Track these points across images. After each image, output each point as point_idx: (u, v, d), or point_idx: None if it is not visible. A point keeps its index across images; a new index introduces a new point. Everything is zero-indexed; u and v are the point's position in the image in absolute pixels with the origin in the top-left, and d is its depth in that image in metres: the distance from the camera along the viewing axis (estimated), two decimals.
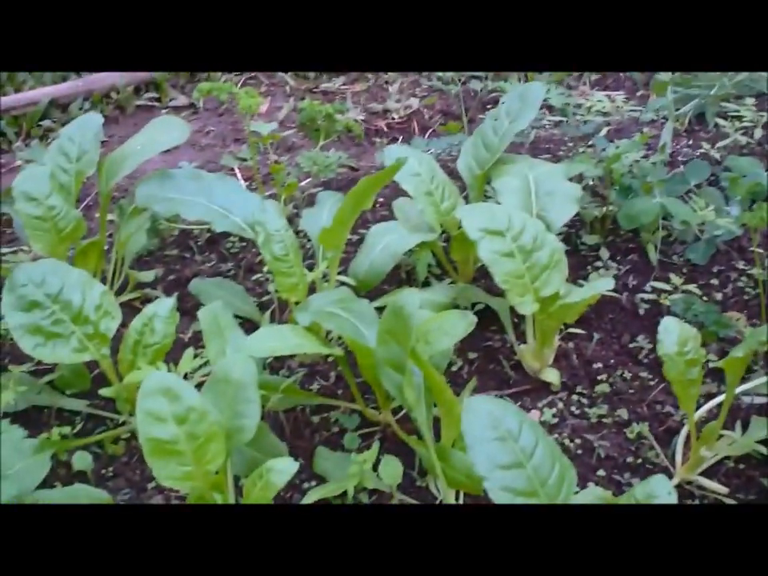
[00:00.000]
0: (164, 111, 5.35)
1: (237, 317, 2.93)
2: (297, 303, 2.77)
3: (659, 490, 1.93)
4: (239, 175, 4.23)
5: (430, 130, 4.81)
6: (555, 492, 1.93)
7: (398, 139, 4.73)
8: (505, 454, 1.89)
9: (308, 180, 4.07)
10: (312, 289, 2.91)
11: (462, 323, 2.43)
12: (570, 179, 3.21)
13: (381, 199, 3.88)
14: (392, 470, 2.39)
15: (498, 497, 1.86)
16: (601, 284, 2.63)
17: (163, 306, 2.62)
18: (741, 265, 3.33)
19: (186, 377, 2.66)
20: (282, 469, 2.20)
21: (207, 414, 2.14)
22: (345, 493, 2.40)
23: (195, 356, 2.63)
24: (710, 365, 2.80)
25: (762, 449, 2.50)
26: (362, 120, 4.85)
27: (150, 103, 5.44)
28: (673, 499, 1.93)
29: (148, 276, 3.43)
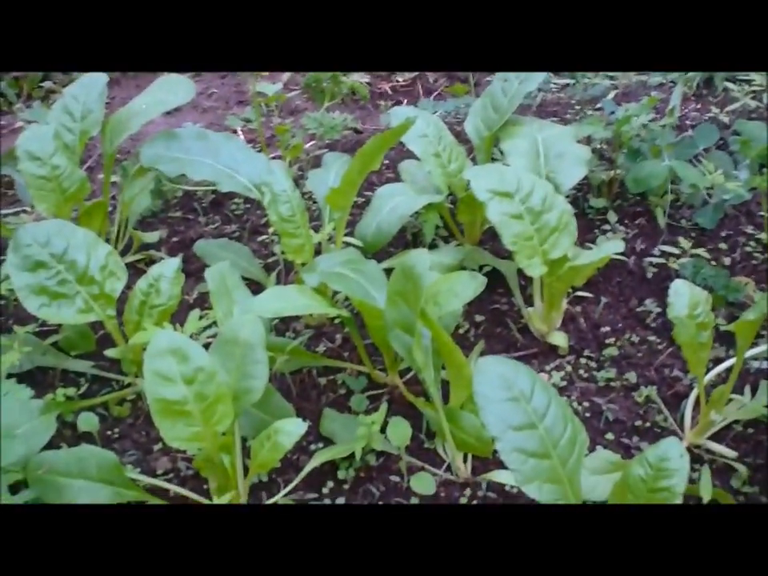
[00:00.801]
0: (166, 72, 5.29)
1: (243, 278, 2.92)
2: (303, 265, 2.75)
3: (671, 453, 1.92)
4: (242, 138, 4.19)
5: (435, 93, 4.77)
6: (567, 453, 1.92)
7: (402, 102, 4.70)
8: (517, 414, 1.88)
9: (312, 142, 4.04)
10: (317, 251, 2.89)
11: (472, 284, 2.41)
12: (578, 142, 3.18)
13: (386, 161, 3.84)
14: (400, 431, 2.37)
15: (511, 458, 1.85)
16: (610, 246, 2.60)
17: (169, 267, 2.60)
18: (750, 229, 3.31)
19: (191, 338, 2.65)
20: (291, 430, 2.19)
21: (216, 374, 2.12)
22: (352, 454, 2.39)
23: (201, 317, 2.60)
24: (720, 329, 2.78)
25: None
26: (367, 83, 4.81)
27: None
28: (685, 461, 1.92)
29: (152, 237, 3.40)
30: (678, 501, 1.90)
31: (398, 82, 4.88)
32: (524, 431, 1.87)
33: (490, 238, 3.19)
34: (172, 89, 3.31)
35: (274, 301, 2.36)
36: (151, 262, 3.27)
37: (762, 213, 3.33)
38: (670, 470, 1.90)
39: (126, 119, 3.20)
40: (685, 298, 2.35)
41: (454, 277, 2.44)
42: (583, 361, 2.79)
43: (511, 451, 1.85)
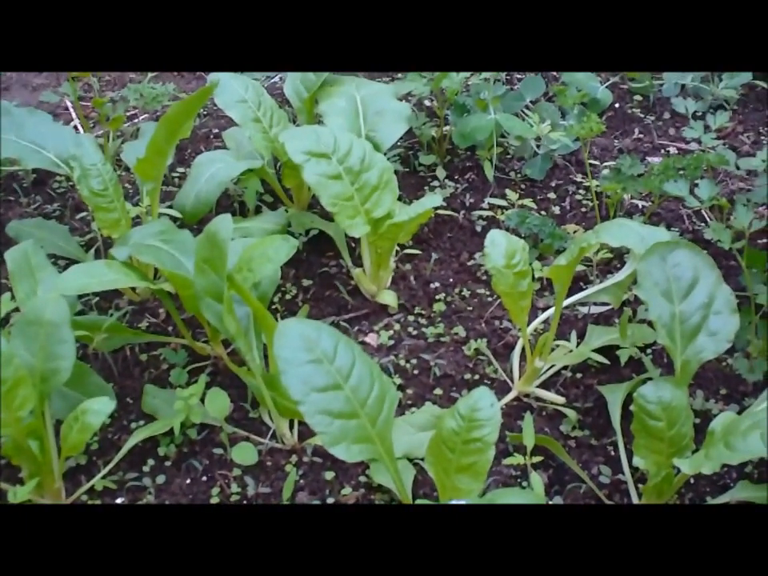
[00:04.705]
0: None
1: (60, 257, 2.82)
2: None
3: (481, 403, 1.92)
4: (74, 114, 4.05)
5: None
6: (376, 411, 1.90)
7: None
8: (320, 376, 1.85)
9: (145, 115, 3.92)
10: (138, 225, 2.79)
11: (284, 248, 2.35)
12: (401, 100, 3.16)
13: (216, 131, 3.77)
14: (218, 402, 2.31)
15: (316, 421, 1.82)
16: (429, 200, 2.58)
17: None
18: (578, 178, 3.34)
19: (7, 321, 2.55)
20: (98, 409, 2.12)
21: (13, 357, 2.03)
22: (173, 430, 2.32)
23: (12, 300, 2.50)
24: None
25: (599, 357, 2.51)
26: None
27: None
28: (496, 410, 1.91)
29: None
30: (492, 451, 1.90)
31: None
32: (328, 392, 1.85)
33: (319, 202, 3.13)
34: None
35: (80, 277, 2.28)
36: None
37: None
38: (481, 420, 1.90)
39: None
40: (501, 248, 2.34)
41: (266, 241, 2.38)
42: (413, 318, 2.78)
43: (316, 413, 1.82)
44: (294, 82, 3.21)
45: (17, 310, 2.55)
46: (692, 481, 2.26)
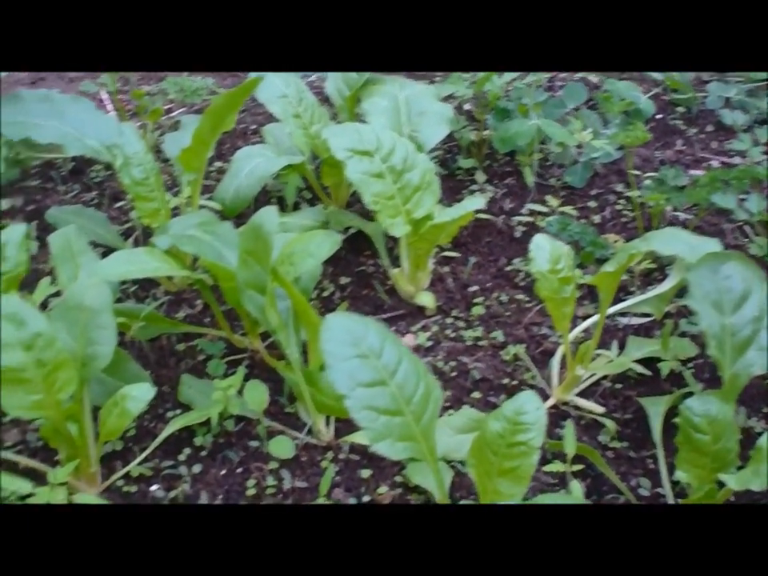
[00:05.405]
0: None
1: (98, 245, 2.81)
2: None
3: (527, 406, 1.88)
4: (110, 107, 4.05)
5: None
6: (421, 410, 1.87)
7: None
8: (366, 371, 1.82)
9: (182, 109, 3.93)
10: (177, 216, 2.78)
11: (327, 243, 2.34)
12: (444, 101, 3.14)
13: (254, 127, 3.76)
14: (257, 395, 2.30)
15: (361, 416, 1.79)
16: (471, 203, 2.55)
17: (15, 233, 2.46)
18: (619, 188, 3.31)
19: (45, 306, 2.54)
20: (138, 395, 2.12)
21: (55, 340, 2.03)
22: (210, 420, 2.31)
23: (53, 285, 2.49)
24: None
25: (639, 368, 2.48)
26: None
27: None
28: (541, 414, 1.88)
29: (3, 205, 3.25)
30: (536, 456, 1.87)
31: None
32: (374, 388, 1.82)
33: (358, 200, 3.11)
34: None
35: (121, 264, 2.27)
36: None
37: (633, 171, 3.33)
38: (526, 423, 1.87)
39: None
40: (546, 252, 2.32)
41: (308, 236, 2.37)
42: (450, 320, 2.75)
43: (361, 409, 1.80)
44: (335, 80, 3.19)
45: (54, 295, 2.55)
46: (732, 498, 2.22)
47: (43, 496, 2.03)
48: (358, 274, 2.94)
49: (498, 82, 3.22)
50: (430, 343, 2.66)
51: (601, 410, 2.45)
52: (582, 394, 2.50)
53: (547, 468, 2.21)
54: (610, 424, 2.38)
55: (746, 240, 2.99)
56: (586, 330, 2.62)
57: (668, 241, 2.21)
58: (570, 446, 2.20)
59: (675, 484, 2.19)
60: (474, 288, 2.87)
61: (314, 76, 4.03)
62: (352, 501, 2.21)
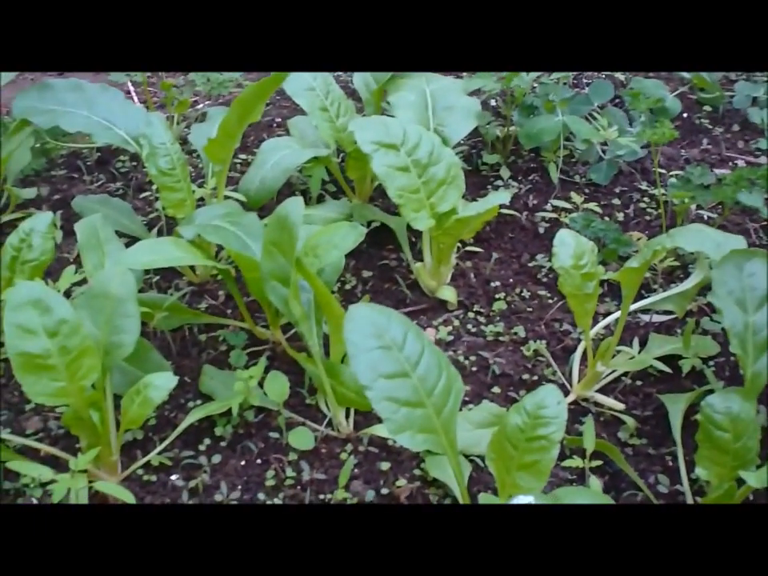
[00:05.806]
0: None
1: (123, 235, 2.82)
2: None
3: (548, 400, 1.89)
4: (135, 98, 4.07)
5: None
6: (442, 402, 1.88)
7: None
8: (389, 362, 1.83)
9: (208, 102, 3.95)
10: (201, 206, 2.79)
11: (352, 235, 2.34)
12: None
13: (279, 120, 3.77)
14: (278, 386, 2.30)
15: (382, 407, 1.80)
16: (496, 197, 2.56)
17: (41, 221, 2.47)
18: (644, 186, 3.31)
19: (69, 294, 2.55)
20: (160, 384, 2.12)
21: (80, 327, 2.04)
22: (230, 411, 2.32)
23: (77, 273, 2.50)
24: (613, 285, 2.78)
25: (660, 365, 2.47)
26: None
27: None
28: (562, 408, 1.88)
29: (29, 193, 3.26)
30: (556, 450, 1.87)
31: None
32: (396, 379, 1.83)
33: (381, 195, 3.12)
34: None
35: (146, 253, 2.27)
36: None
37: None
38: (547, 417, 1.87)
39: None
40: (570, 248, 2.33)
41: (333, 228, 2.37)
42: (472, 315, 2.75)
43: (382, 400, 1.80)
44: (363, 74, 3.21)
45: (79, 283, 2.56)
46: (751, 497, 2.22)
47: (64, 483, 2.04)
48: (380, 268, 2.94)
49: (525, 78, 3.21)
50: (450, 338, 2.66)
51: (621, 406, 2.44)
52: (602, 391, 2.49)
53: (566, 463, 2.22)
54: (629, 421, 2.38)
55: None
56: (607, 327, 2.62)
57: (693, 238, 2.20)
58: (590, 442, 2.20)
59: (694, 481, 2.18)
60: (496, 283, 2.87)
61: None
62: (371, 493, 2.21)
